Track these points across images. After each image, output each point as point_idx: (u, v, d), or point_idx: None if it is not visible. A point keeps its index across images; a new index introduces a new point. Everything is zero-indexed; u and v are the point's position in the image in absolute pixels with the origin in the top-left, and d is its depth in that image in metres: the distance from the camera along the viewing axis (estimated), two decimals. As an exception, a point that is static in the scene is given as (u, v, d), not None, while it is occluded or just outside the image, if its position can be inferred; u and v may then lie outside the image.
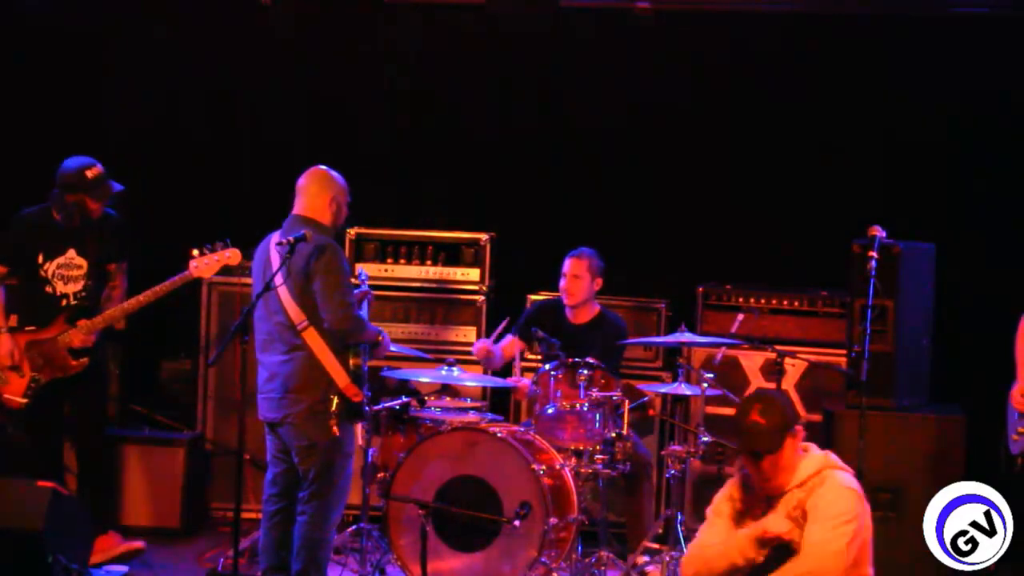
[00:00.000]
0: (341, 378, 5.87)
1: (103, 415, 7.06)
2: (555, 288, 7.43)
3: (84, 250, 6.77)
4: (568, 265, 7.09)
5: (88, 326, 6.69)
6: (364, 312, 6.45)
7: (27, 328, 6.73)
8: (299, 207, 6.07)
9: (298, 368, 5.90)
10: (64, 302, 6.75)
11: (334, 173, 6.14)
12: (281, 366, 5.94)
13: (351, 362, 5.90)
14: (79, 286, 6.77)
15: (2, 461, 7.08)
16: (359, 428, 6.22)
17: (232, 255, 6.55)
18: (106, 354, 6.94)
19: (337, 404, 5.87)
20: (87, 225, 6.75)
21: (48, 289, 6.75)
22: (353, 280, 6.40)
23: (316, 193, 6.06)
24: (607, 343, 6.95)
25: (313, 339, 5.88)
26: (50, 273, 6.75)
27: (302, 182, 6.11)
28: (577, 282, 7.06)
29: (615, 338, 7.03)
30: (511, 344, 7.12)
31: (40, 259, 6.74)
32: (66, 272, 6.76)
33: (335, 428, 5.88)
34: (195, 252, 6.53)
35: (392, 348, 6.34)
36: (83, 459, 6.91)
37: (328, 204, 6.05)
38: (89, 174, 6.66)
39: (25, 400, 6.70)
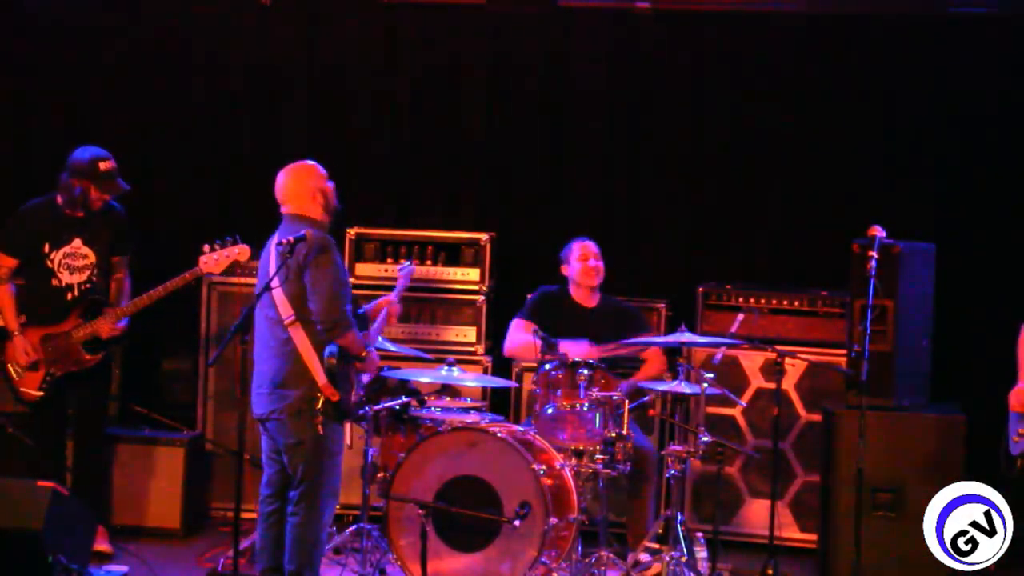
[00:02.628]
0: (320, 376, 5.89)
1: (103, 414, 7.08)
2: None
3: (91, 240, 6.79)
4: (585, 248, 7.19)
5: (116, 314, 6.71)
6: (379, 323, 6.50)
7: (40, 323, 6.75)
8: (287, 207, 6.09)
9: (284, 363, 5.95)
10: (69, 295, 6.77)
11: (309, 163, 6.17)
12: (269, 361, 5.99)
13: (328, 361, 5.91)
14: (84, 276, 6.79)
15: (4, 461, 7.10)
16: (347, 429, 6.19)
17: (241, 251, 6.56)
18: (110, 354, 6.94)
19: (323, 403, 5.90)
20: (92, 215, 6.77)
21: (54, 282, 6.76)
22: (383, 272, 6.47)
23: (296, 188, 6.10)
24: (629, 328, 7.03)
25: (298, 334, 5.91)
26: (56, 263, 6.76)
27: (280, 181, 6.14)
28: (599, 263, 7.18)
29: (635, 322, 7.15)
30: (524, 328, 7.14)
31: (46, 248, 6.75)
32: (72, 262, 6.77)
33: (320, 427, 5.91)
34: (205, 248, 6.55)
35: (378, 357, 6.32)
36: (79, 457, 6.93)
37: (312, 196, 6.07)
38: (102, 165, 6.70)
39: (40, 393, 6.74)
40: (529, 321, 7.08)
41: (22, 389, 6.76)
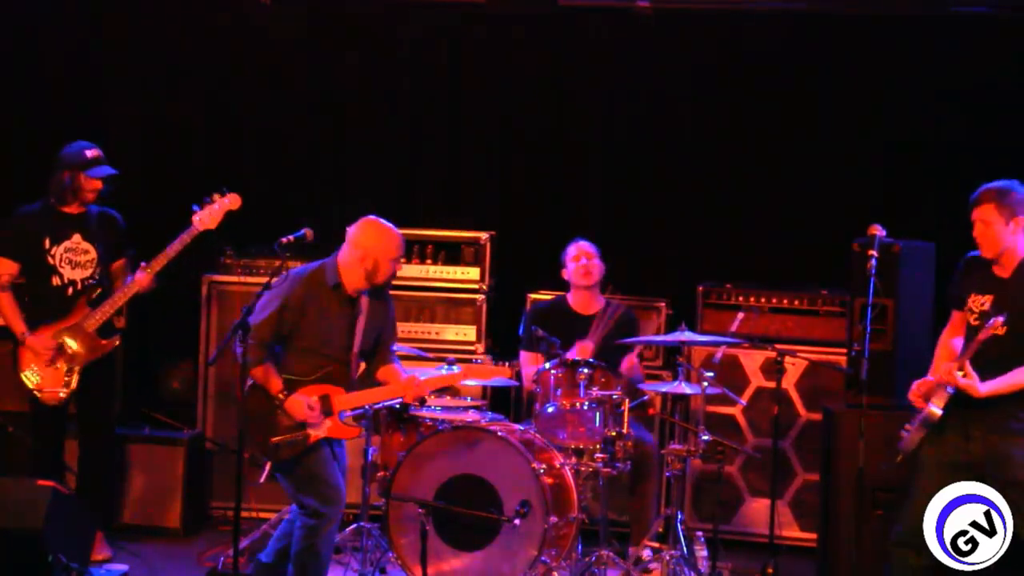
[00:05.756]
0: None
1: (111, 414, 7.03)
2: (555, 287, 7.44)
3: (91, 236, 6.78)
4: (580, 248, 7.14)
5: (149, 268, 6.64)
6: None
7: (46, 322, 6.72)
8: (344, 245, 6.06)
9: None
10: (71, 290, 6.75)
11: (389, 231, 6.06)
12: None
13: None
14: (88, 272, 6.78)
15: (4, 461, 7.09)
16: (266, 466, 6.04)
17: (232, 200, 6.56)
18: (115, 352, 6.92)
19: None
20: (90, 214, 6.77)
21: (55, 280, 6.74)
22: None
23: (356, 238, 6.03)
24: (622, 335, 6.99)
25: None
26: (57, 258, 6.75)
27: (355, 225, 6.10)
28: (593, 262, 7.12)
29: (630, 329, 7.10)
30: (533, 360, 7.10)
31: (46, 244, 6.75)
32: (74, 257, 6.77)
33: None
34: (195, 208, 6.54)
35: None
36: (86, 457, 6.90)
37: (361, 259, 5.98)
38: (88, 153, 6.72)
39: (66, 391, 6.71)
40: (534, 353, 7.05)
41: (46, 390, 6.70)
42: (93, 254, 6.80)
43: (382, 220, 6.10)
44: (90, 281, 6.78)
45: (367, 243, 5.99)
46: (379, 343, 6.18)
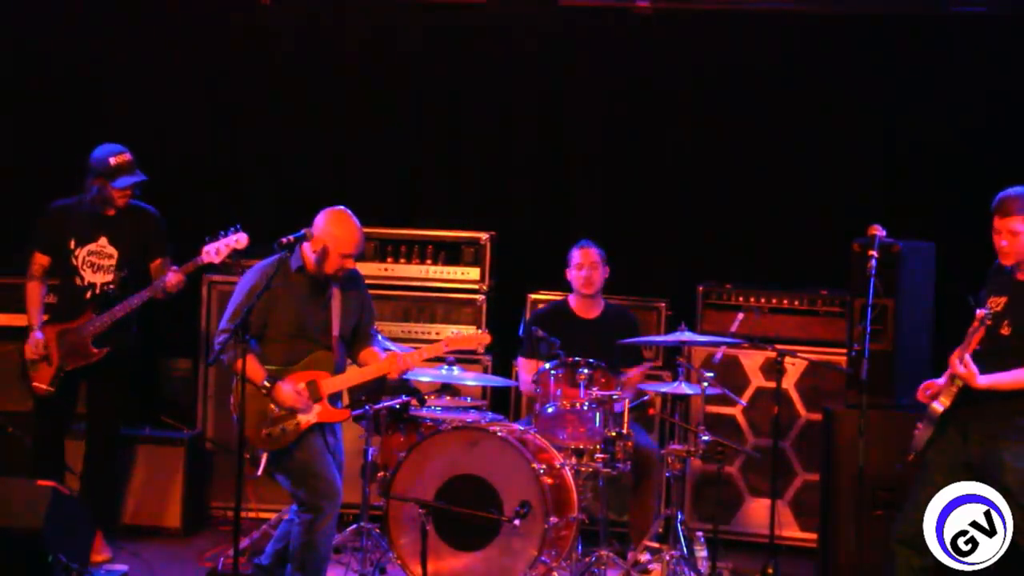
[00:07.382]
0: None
1: (117, 417, 7.00)
2: (555, 287, 7.45)
3: (117, 239, 6.79)
4: (582, 255, 7.13)
5: (179, 271, 6.64)
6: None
7: (57, 321, 6.77)
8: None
9: None
10: (89, 293, 6.76)
11: (348, 222, 6.02)
12: None
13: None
14: (109, 277, 6.78)
15: (4, 461, 7.10)
16: (263, 457, 6.08)
17: (238, 240, 6.55)
18: (129, 355, 6.90)
19: None
20: (121, 214, 6.77)
21: (76, 280, 6.77)
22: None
23: (320, 223, 6.02)
24: (625, 337, 6.99)
25: None
26: (80, 260, 6.76)
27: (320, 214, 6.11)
28: (596, 270, 7.11)
29: (631, 332, 7.09)
30: (531, 367, 7.09)
31: (71, 244, 6.76)
32: (97, 260, 6.77)
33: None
34: (207, 239, 6.55)
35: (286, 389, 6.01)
36: (91, 457, 6.90)
37: (319, 242, 5.97)
38: (113, 160, 6.71)
39: (51, 389, 6.73)
40: (533, 359, 7.04)
41: (34, 384, 6.75)
42: (116, 258, 6.80)
43: (349, 214, 6.06)
44: (110, 286, 6.78)
45: (323, 231, 5.99)
46: (359, 328, 6.21)
